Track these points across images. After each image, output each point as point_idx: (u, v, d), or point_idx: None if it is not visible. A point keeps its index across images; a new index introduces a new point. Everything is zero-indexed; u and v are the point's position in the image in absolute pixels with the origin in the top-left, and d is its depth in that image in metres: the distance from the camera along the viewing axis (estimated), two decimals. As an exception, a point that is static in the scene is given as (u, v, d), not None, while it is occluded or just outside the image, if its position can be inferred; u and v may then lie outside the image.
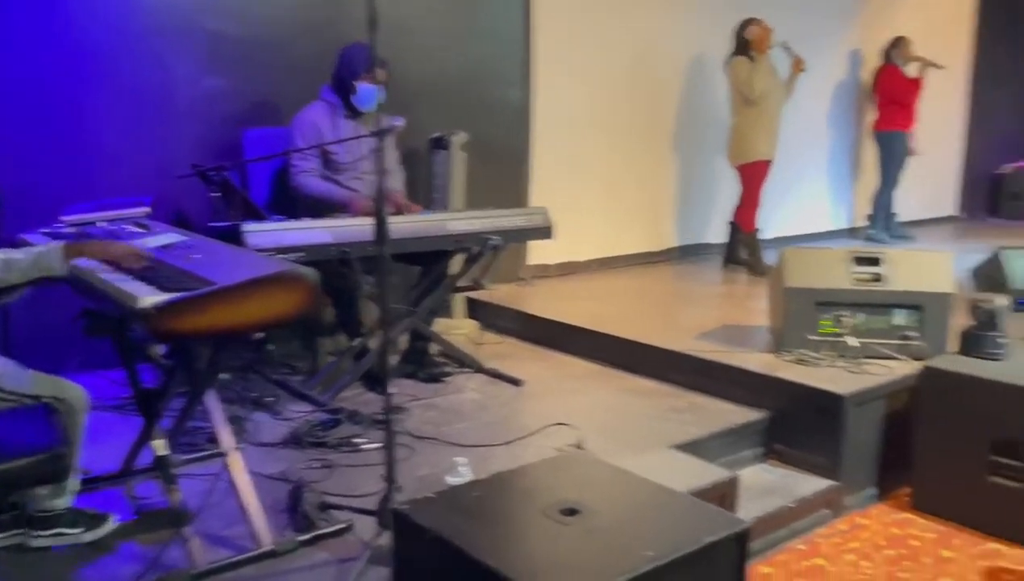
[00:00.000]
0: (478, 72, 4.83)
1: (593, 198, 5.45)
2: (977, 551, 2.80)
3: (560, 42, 5.15)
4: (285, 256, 2.79)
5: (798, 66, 5.50)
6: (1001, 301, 3.13)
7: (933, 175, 8.05)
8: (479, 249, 3.47)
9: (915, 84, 6.63)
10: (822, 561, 2.73)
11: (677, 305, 4.59)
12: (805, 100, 6.65)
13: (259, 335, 2.07)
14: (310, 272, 1.82)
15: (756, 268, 5.41)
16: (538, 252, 5.16)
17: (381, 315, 3.39)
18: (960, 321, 3.27)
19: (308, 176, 3.55)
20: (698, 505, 1.79)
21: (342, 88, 3.56)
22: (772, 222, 6.41)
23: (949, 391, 3.01)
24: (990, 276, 4.41)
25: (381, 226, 1.99)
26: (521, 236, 3.64)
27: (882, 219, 6.85)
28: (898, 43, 6.63)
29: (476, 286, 3.66)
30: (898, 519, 3.03)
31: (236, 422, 2.86)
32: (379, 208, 2.03)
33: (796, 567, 2.69)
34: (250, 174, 3.74)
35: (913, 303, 3.38)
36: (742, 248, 5.56)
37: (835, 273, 3.45)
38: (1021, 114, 8.78)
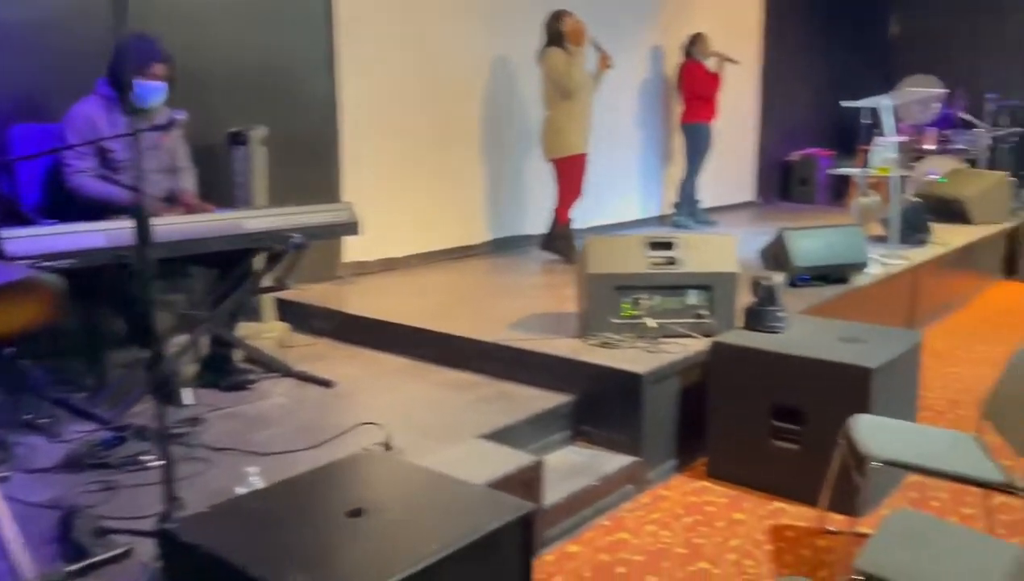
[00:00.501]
0: (278, 64, 4.64)
1: (410, 192, 5.41)
2: (764, 511, 3.02)
3: (366, 34, 5.05)
4: (53, 263, 2.55)
5: (605, 63, 5.68)
6: (778, 278, 3.40)
7: (732, 164, 8.65)
8: (281, 248, 3.34)
9: (715, 78, 7.07)
10: (626, 535, 2.85)
11: (492, 297, 4.63)
12: (615, 95, 6.94)
13: (8, 350, 1.87)
14: (52, 279, 1.66)
15: (570, 258, 5.57)
16: (355, 249, 5.05)
17: (171, 322, 3.22)
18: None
19: (84, 176, 3.27)
20: (486, 494, 1.80)
21: (119, 83, 3.30)
22: (589, 213, 6.63)
23: (735, 364, 3.23)
24: (776, 255, 4.77)
25: (142, 227, 1.85)
26: (326, 233, 3.53)
27: (687, 206, 7.26)
28: (697, 39, 7.04)
29: (280, 286, 3.52)
30: (695, 487, 3.21)
31: (2, 447, 2.59)
32: (139, 207, 1.88)
33: (601, 543, 2.79)
34: (19, 175, 3.41)
35: (703, 283, 3.59)
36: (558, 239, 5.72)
37: (632, 258, 3.61)
38: (805, 106, 9.61)
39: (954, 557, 1.84)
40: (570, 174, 5.59)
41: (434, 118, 5.57)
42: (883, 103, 5.26)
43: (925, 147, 9.61)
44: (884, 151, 5.06)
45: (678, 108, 7.27)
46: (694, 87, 6.99)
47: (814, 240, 4.69)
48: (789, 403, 3.09)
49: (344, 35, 4.92)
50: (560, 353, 3.41)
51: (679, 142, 7.31)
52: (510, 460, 2.66)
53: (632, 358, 3.31)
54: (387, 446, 2.71)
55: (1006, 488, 2.33)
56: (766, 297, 3.35)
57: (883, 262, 5.31)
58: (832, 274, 4.74)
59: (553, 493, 2.85)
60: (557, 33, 5.39)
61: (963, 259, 6.37)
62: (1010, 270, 7.25)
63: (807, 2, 9.52)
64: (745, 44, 8.56)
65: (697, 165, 7.14)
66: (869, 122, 10.21)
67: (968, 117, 9.65)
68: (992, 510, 2.88)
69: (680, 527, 2.90)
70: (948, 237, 6.44)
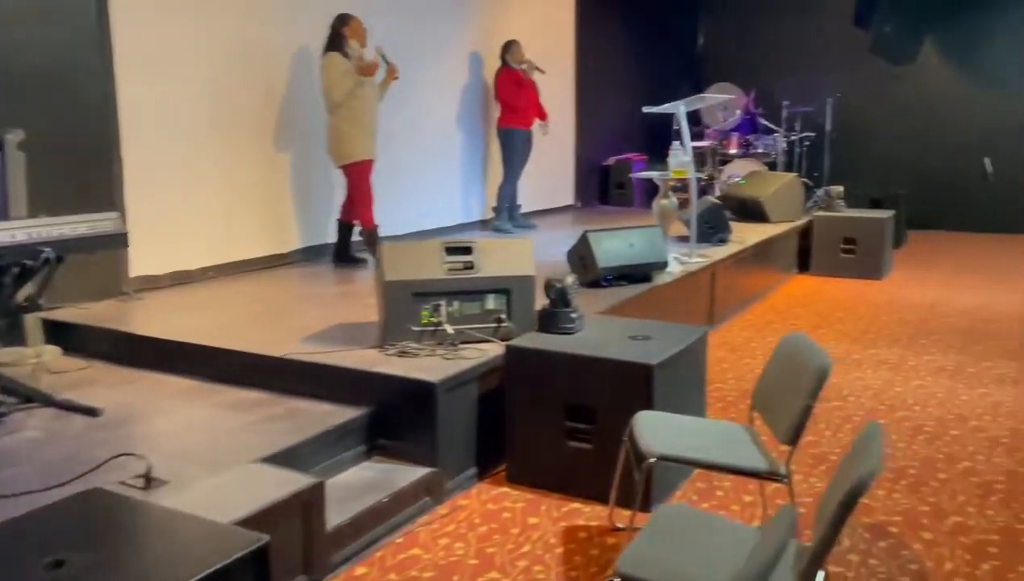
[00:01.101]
0: (42, 63, 4.20)
1: (203, 201, 5.08)
2: (559, 514, 3.01)
3: (147, 31, 4.69)
4: None
5: (391, 74, 5.61)
6: (570, 279, 3.41)
7: (551, 168, 8.81)
8: (32, 263, 2.99)
9: (528, 84, 7.15)
10: (418, 551, 2.74)
11: (293, 308, 4.42)
12: (432, 101, 6.88)
13: None
14: None
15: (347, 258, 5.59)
16: (143, 262, 4.68)
17: None
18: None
19: None
20: (215, 529, 1.64)
21: None
22: (407, 219, 6.54)
23: (529, 367, 3.21)
24: (581, 257, 4.84)
25: None
26: (86, 246, 3.20)
27: (506, 210, 7.30)
28: (510, 46, 7.11)
29: (32, 306, 3.16)
30: (495, 494, 3.16)
31: None
32: None
33: (391, 562, 2.67)
34: None
35: (501, 287, 3.57)
36: (363, 245, 5.62)
37: (430, 264, 3.52)
38: (620, 112, 9.96)
39: (709, 549, 1.87)
40: (360, 180, 5.48)
41: (230, 120, 5.26)
42: (679, 109, 5.48)
43: (730, 151, 10.22)
44: (680, 155, 5.27)
45: (497, 113, 7.31)
46: (507, 93, 7.05)
47: (616, 241, 4.80)
48: (581, 403, 3.10)
49: (121, 33, 4.54)
50: (352, 365, 3.27)
51: (499, 147, 7.36)
52: (286, 484, 2.49)
53: (428, 366, 3.22)
54: (147, 479, 2.47)
55: (769, 476, 2.42)
56: (559, 299, 3.36)
57: (684, 261, 5.54)
58: (635, 274, 4.87)
59: (341, 514, 2.71)
60: (338, 36, 5.30)
61: (760, 256, 6.78)
62: (803, 265, 7.80)
63: (618, 12, 9.87)
64: (559, 51, 8.76)
65: (514, 170, 7.20)
66: (677, 128, 10.76)
67: (767, 123, 10.35)
68: (769, 496, 3.02)
69: (475, 537, 2.83)
70: (746, 235, 6.83)
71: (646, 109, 5.59)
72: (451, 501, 3.09)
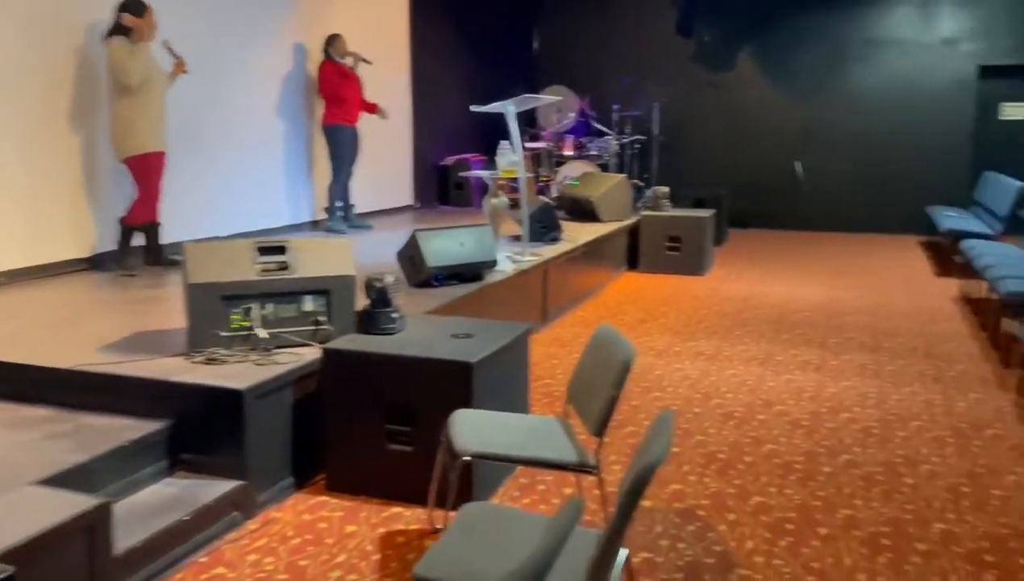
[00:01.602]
0: None
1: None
2: (379, 519, 2.92)
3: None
4: None
5: (180, 68, 5.35)
6: (390, 278, 3.33)
7: (389, 168, 8.68)
8: None
9: (352, 78, 6.99)
10: (223, 569, 2.58)
11: (91, 316, 4.07)
12: (254, 94, 6.57)
13: None
14: None
15: (159, 260, 5.26)
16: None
17: None
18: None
19: None
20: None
21: None
22: (227, 220, 6.22)
23: (348, 369, 3.10)
24: (411, 257, 4.77)
25: None
26: None
27: (339, 210, 7.11)
28: (333, 40, 6.92)
29: None
30: (312, 504, 3.03)
31: None
32: None
33: (192, 584, 2.50)
34: None
35: (319, 288, 3.43)
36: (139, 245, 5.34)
37: (240, 265, 3.34)
38: (458, 112, 9.95)
39: (509, 545, 1.85)
40: (145, 174, 5.17)
41: (25, 115, 4.79)
42: (508, 109, 5.52)
43: (565, 153, 10.47)
44: (509, 154, 5.31)
45: (321, 108, 7.10)
46: (331, 88, 6.86)
47: (446, 241, 4.76)
48: (401, 405, 3.03)
49: None
50: (152, 375, 3.03)
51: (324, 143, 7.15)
52: (65, 507, 2.25)
53: (236, 373, 3.04)
54: None
55: (579, 468, 2.44)
56: (378, 299, 3.27)
57: (516, 260, 5.59)
58: (466, 273, 4.85)
59: (135, 535, 2.49)
60: (122, 24, 4.98)
61: (591, 254, 6.96)
62: (632, 262, 8.09)
63: (453, 11, 9.87)
64: (393, 48, 8.64)
65: (343, 169, 7.02)
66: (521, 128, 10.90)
67: (600, 126, 10.68)
68: (587, 488, 3.06)
69: (286, 551, 2.69)
70: (578, 234, 7.00)
71: (474, 108, 5.60)
72: (263, 515, 2.93)
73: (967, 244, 6.61)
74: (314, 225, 7.27)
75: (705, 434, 3.78)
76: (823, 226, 10.89)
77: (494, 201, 5.35)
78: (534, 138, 10.67)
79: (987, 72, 10.21)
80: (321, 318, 3.43)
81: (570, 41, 11.85)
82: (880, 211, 10.67)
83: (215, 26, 6.10)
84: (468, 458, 2.42)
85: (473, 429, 2.58)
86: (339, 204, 7.13)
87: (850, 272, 8.00)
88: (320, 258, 3.47)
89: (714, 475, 3.33)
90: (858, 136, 10.73)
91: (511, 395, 3.31)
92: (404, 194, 9.03)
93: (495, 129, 10.80)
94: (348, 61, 7.01)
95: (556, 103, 10.56)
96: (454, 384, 2.93)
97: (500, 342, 3.16)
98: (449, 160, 9.54)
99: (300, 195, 7.20)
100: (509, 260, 5.47)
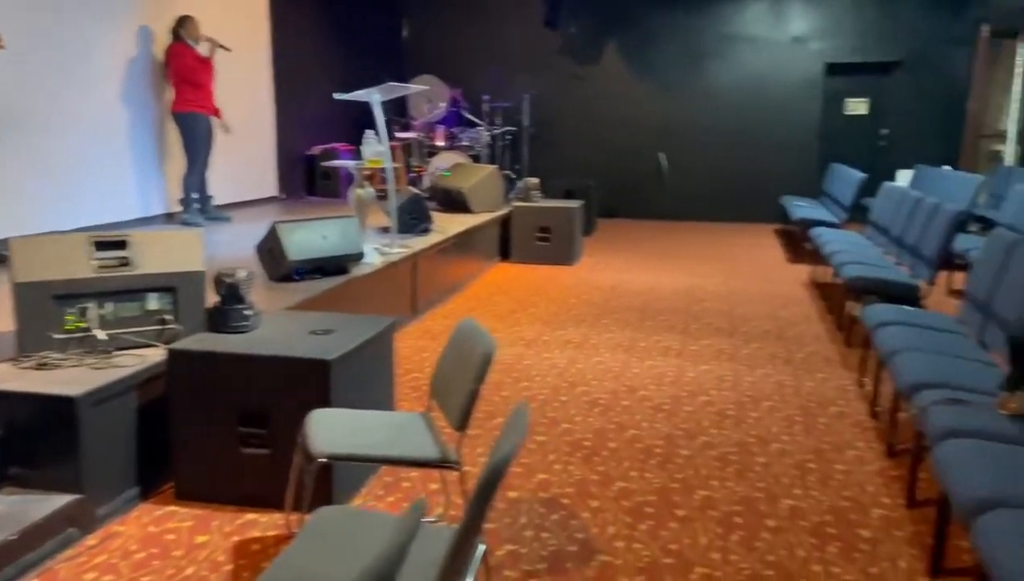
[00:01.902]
0: None
1: None
2: (232, 527, 2.78)
3: None
4: None
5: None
6: (242, 273, 3.16)
7: (251, 157, 8.33)
8: None
9: (206, 64, 6.64)
10: (55, 592, 2.38)
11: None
12: (97, 80, 6.13)
13: None
14: None
15: None
16: None
17: None
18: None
19: None
20: None
21: None
22: (68, 213, 5.79)
23: (196, 371, 2.92)
24: (271, 250, 4.58)
25: None
26: None
27: (195, 202, 6.75)
28: (184, 21, 6.55)
29: None
30: (159, 515, 2.84)
31: None
32: None
33: (18, 611, 2.28)
34: None
35: (165, 285, 3.23)
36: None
37: (75, 262, 3.08)
38: (325, 100, 9.67)
39: (359, 548, 1.78)
40: None
41: None
42: (373, 97, 5.39)
43: (437, 143, 10.38)
44: (374, 144, 5.18)
45: (170, 94, 6.70)
46: (182, 73, 6.50)
47: (308, 233, 4.60)
48: (255, 406, 2.89)
49: None
50: (-29, 384, 2.76)
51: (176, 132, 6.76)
52: None
53: (70, 379, 2.81)
54: None
55: (440, 464, 2.40)
56: (229, 295, 3.11)
57: (385, 252, 5.48)
58: (330, 266, 4.71)
59: (-49, 562, 2.26)
60: None
61: (462, 245, 6.93)
62: (505, 253, 8.12)
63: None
64: (252, 33, 8.29)
65: (198, 158, 6.67)
66: (389, 118, 10.72)
67: (470, 117, 10.65)
68: (453, 483, 3.02)
69: (128, 566, 2.51)
70: (450, 225, 6.95)
71: (338, 96, 5.44)
72: (103, 529, 2.73)
73: (815, 232, 7.01)
74: (168, 218, 6.88)
75: (571, 422, 3.82)
76: (686, 216, 11.31)
77: (359, 192, 5.21)
78: (405, 128, 10.53)
79: (833, 69, 10.88)
80: (167, 317, 3.22)
81: (440, 30, 11.76)
82: (738, 201, 11.19)
83: (54, 7, 5.64)
84: (324, 460, 2.33)
85: (330, 429, 2.48)
86: (195, 195, 6.77)
87: (710, 260, 8.33)
88: (165, 253, 3.25)
89: (579, 463, 3.37)
90: (716, 129, 11.19)
91: (375, 392, 3.22)
92: (268, 185, 8.69)
93: (365, 118, 10.60)
94: (203, 47, 6.65)
95: (426, 93, 10.46)
96: (311, 383, 2.82)
97: (361, 337, 3.07)
98: (316, 149, 9.26)
99: (151, 186, 6.78)
100: (377, 252, 5.36)
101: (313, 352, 2.86)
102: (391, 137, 10.38)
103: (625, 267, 7.87)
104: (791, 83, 10.97)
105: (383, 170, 5.42)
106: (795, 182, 10.76)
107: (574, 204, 8.15)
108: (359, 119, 10.54)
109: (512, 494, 3.07)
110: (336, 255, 4.70)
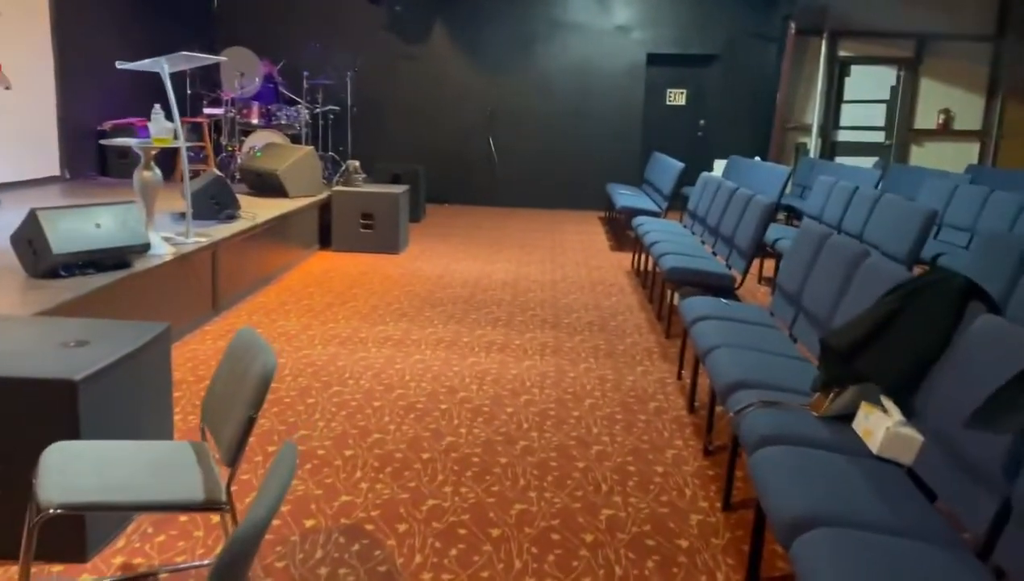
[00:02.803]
0: None
1: None
2: (-50, 590, 2.26)
3: None
4: None
5: None
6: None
7: (27, 131, 7.33)
8: None
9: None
10: None
11: None
12: None
13: None
14: None
15: None
16: None
17: None
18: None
19: None
20: None
21: None
22: None
23: (-98, 399, 2.35)
24: (30, 241, 3.92)
25: None
26: None
27: (-50, 182, 5.80)
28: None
29: None
30: None
31: None
32: None
33: None
34: None
35: None
36: None
37: None
38: (121, 72, 8.72)
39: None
40: None
41: None
42: (163, 67, 4.78)
43: (252, 121, 9.65)
44: (162, 120, 4.59)
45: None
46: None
47: (77, 221, 3.97)
48: (-18, 439, 2.36)
49: None
50: None
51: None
52: None
53: None
54: None
55: (208, 507, 2.02)
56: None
57: (179, 241, 4.91)
58: (106, 260, 4.10)
59: None
60: None
61: (275, 232, 6.39)
62: (326, 241, 7.63)
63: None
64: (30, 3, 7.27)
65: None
66: (199, 92, 9.84)
67: (289, 93, 9.99)
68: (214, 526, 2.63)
69: None
70: (261, 211, 6.40)
71: (121, 65, 4.78)
72: None
73: (637, 221, 7.06)
74: (-82, 200, 5.87)
75: (384, 431, 3.51)
76: (516, 202, 11.23)
77: (145, 174, 4.60)
78: (214, 103, 9.72)
79: (655, 59, 11.12)
80: None
81: (254, 0, 10.94)
82: (566, 188, 11.24)
83: None
84: (54, 511, 1.88)
85: (68, 471, 2.03)
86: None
87: (537, 248, 8.25)
88: None
89: (388, 479, 3.07)
90: (545, 115, 11.17)
91: (143, 415, 2.76)
92: (49, 163, 7.69)
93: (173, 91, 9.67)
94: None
95: (237, 66, 9.69)
96: (54, 409, 2.33)
97: (122, 349, 2.59)
98: (108, 124, 8.30)
99: None
100: (167, 243, 4.77)
101: (57, 371, 2.37)
102: (198, 113, 9.55)
103: (452, 256, 7.62)
104: (616, 72, 11.11)
105: (163, 149, 4.82)
106: (620, 170, 10.93)
107: (399, 189, 7.79)
108: (162, 91, 9.62)
109: (309, 523, 2.72)
110: (113, 247, 4.10)
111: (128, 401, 2.63)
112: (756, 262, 6.83)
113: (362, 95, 10.72)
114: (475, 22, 11.02)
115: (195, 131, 9.31)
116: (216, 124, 9.41)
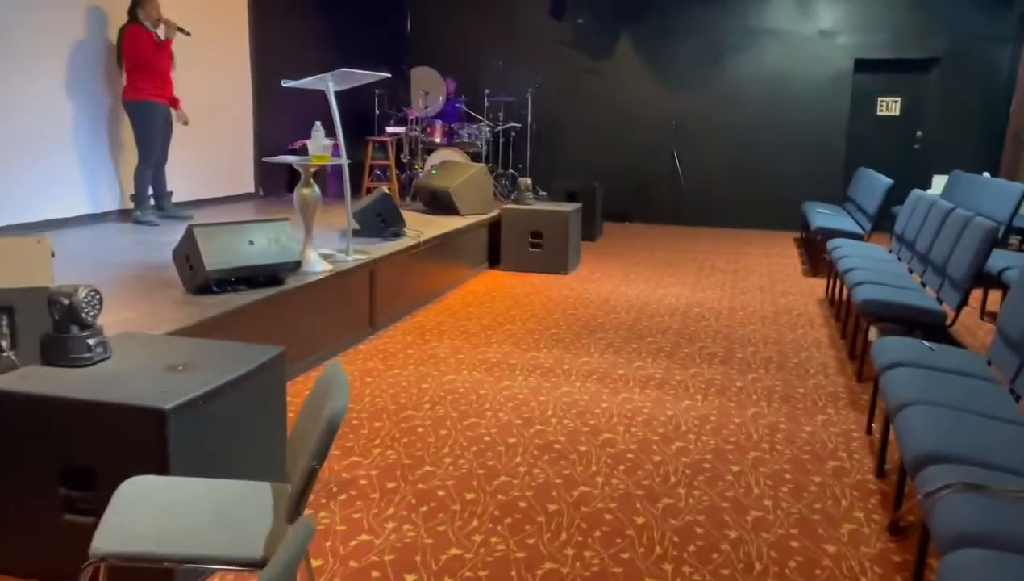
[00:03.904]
0: None
1: None
2: (37, 618, 2.19)
3: None
4: None
5: None
6: (83, 291, 2.57)
7: (227, 151, 7.80)
8: None
9: (164, 49, 6.09)
10: None
11: None
12: (40, 63, 5.61)
13: None
14: None
15: None
16: None
17: None
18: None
19: None
20: None
21: None
22: (5, 207, 5.30)
23: (14, 415, 2.34)
24: (187, 256, 4.00)
25: None
26: None
27: (148, 199, 6.22)
28: (143, 1, 5.99)
29: None
30: (-48, 599, 2.28)
31: None
32: None
33: None
34: None
35: (-1, 304, 2.66)
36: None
37: None
38: (314, 93, 9.14)
39: None
40: None
41: None
42: (328, 84, 4.80)
43: (435, 140, 9.79)
44: (321, 137, 4.60)
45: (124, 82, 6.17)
46: (137, 58, 5.95)
47: (230, 238, 4.01)
48: (80, 463, 2.30)
49: None
50: None
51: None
52: None
53: None
54: None
55: (255, 566, 1.78)
56: (65, 319, 2.52)
57: (340, 258, 4.91)
58: (257, 276, 4.12)
59: None
60: None
61: (441, 251, 6.32)
62: (495, 260, 7.49)
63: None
64: (229, 18, 7.75)
65: (151, 151, 6.13)
66: (381, 111, 10.15)
67: (470, 112, 10.05)
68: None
69: None
70: (429, 228, 6.35)
71: (286, 84, 4.85)
72: None
73: (833, 244, 6.29)
74: (123, 214, 6.35)
75: (512, 474, 3.19)
76: (701, 220, 10.60)
77: (304, 191, 4.63)
78: (401, 122, 9.96)
79: (863, 66, 10.09)
80: (2, 343, 2.65)
81: (443, 21, 11.14)
82: (757, 206, 10.44)
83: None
84: (100, 561, 1.73)
85: (134, 510, 1.88)
86: (149, 192, 6.25)
87: (717, 270, 7.64)
88: (3, 265, 2.68)
89: (506, 532, 2.74)
90: (735, 128, 10.46)
91: (250, 449, 2.62)
92: (245, 181, 8.15)
93: (361, 111, 10.03)
94: (161, 30, 6.11)
95: (422, 85, 9.88)
96: (141, 438, 2.22)
97: (223, 377, 2.46)
98: (298, 144, 8.69)
99: (101, 181, 6.25)
100: (325, 260, 4.77)
101: (148, 398, 2.27)
102: (381, 132, 9.82)
103: (623, 277, 7.20)
104: (817, 80, 10.19)
105: (335, 167, 4.82)
106: (818, 187, 9.99)
107: (569, 207, 7.49)
108: (356, 113, 10.00)
109: (410, 578, 2.45)
110: (264, 264, 4.11)
111: (230, 432, 2.50)
112: (978, 294, 5.85)
113: (542, 111, 10.58)
114: (663, 34, 10.55)
115: (381, 150, 9.57)
116: (399, 143, 9.63)
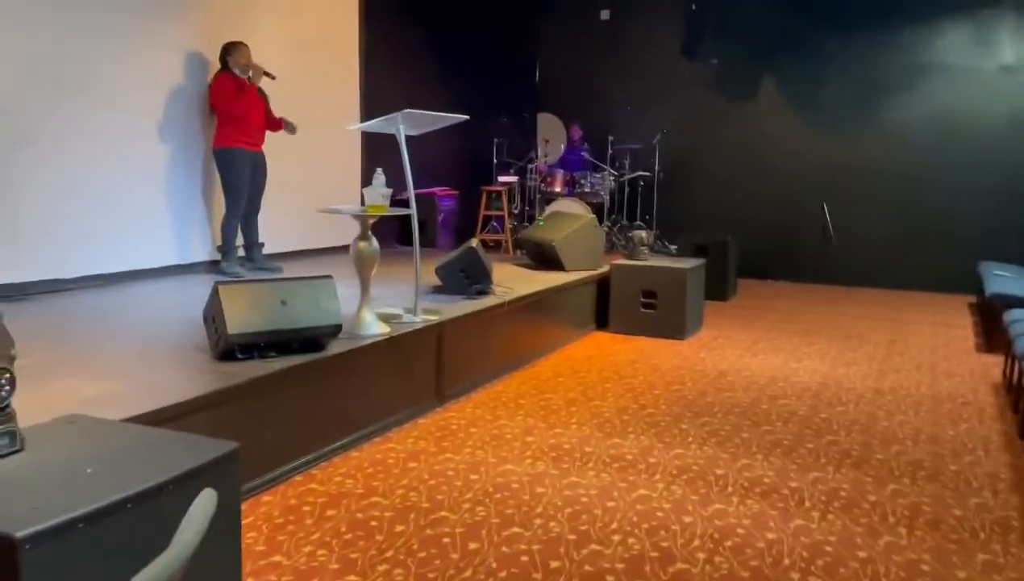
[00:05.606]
0: None
1: None
2: None
3: None
4: None
5: None
6: (13, 352, 2.12)
7: (333, 200, 7.57)
8: None
9: (249, 94, 5.88)
10: None
11: None
12: (137, 110, 5.56)
13: None
14: None
15: None
16: None
17: None
18: None
19: None
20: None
21: None
22: (92, 257, 5.23)
23: None
24: (213, 318, 3.58)
25: None
26: None
27: (233, 249, 6.01)
28: (232, 48, 5.87)
29: None
30: None
31: None
32: None
33: None
34: None
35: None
36: None
37: None
38: (431, 141, 8.84)
39: None
40: None
41: None
42: (397, 128, 4.36)
43: (555, 189, 9.27)
44: (380, 185, 4.13)
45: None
46: (220, 103, 5.79)
47: (258, 296, 3.56)
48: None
49: None
50: None
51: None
52: None
53: None
54: None
55: None
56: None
57: (409, 319, 4.40)
58: (291, 341, 3.64)
59: None
60: None
61: (534, 310, 5.68)
62: (603, 321, 6.75)
63: (417, 22, 8.79)
64: (338, 64, 7.61)
65: (237, 200, 5.92)
66: (499, 161, 9.73)
67: (592, 159, 9.46)
68: None
69: None
70: (524, 285, 5.75)
71: (351, 127, 4.45)
72: None
73: (1013, 315, 5.11)
74: (213, 265, 6.18)
75: (538, 618, 2.45)
76: (856, 280, 9.35)
77: (361, 245, 4.16)
78: (520, 172, 9.50)
79: (1054, 104, 8.62)
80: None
81: (568, 65, 10.65)
82: (923, 264, 9.08)
83: (86, 25, 5.14)
84: None
85: None
86: (239, 242, 6.04)
87: (867, 341, 6.50)
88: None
89: None
90: (896, 176, 9.20)
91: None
92: (349, 232, 7.88)
93: (478, 161, 9.66)
94: (249, 74, 5.94)
95: (543, 133, 9.41)
96: (-11, 572, 1.70)
97: (135, 485, 1.91)
98: (405, 195, 8.38)
99: (191, 232, 6.11)
100: (387, 321, 4.25)
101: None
102: (493, 181, 9.37)
103: (750, 346, 6.25)
104: (996, 122, 8.81)
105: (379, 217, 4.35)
106: (998, 244, 8.53)
107: (689, 263, 6.65)
108: (472, 162, 9.65)
109: None
110: (299, 327, 3.63)
111: (140, 556, 1.94)
112: None
113: (672, 159, 9.80)
114: (812, 74, 9.53)
115: (498, 200, 9.13)
116: (516, 192, 9.15)
